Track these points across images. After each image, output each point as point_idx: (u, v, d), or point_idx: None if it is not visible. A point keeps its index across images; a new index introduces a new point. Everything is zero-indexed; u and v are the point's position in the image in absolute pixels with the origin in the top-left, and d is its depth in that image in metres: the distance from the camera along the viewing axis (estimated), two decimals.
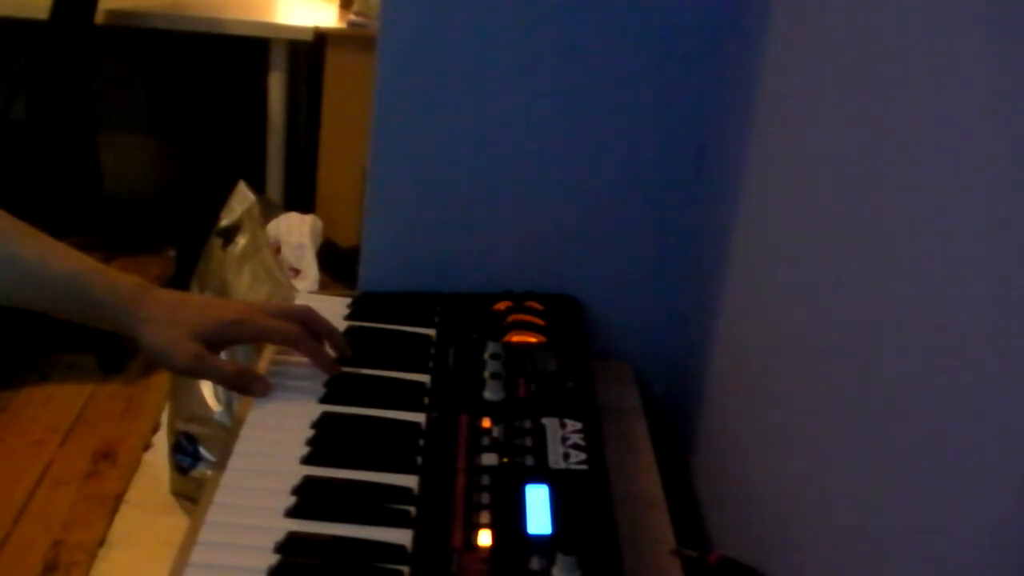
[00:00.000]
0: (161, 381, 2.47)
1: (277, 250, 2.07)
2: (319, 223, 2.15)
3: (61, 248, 1.03)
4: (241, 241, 2.06)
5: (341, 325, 1.16)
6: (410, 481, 0.94)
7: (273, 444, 0.97)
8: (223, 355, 1.05)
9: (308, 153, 2.72)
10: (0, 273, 1.00)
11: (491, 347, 1.12)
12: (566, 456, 0.96)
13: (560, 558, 0.82)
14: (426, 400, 1.05)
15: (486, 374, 1.06)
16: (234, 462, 0.96)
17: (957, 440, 0.63)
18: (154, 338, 0.99)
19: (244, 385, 1.04)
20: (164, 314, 1.00)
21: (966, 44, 0.67)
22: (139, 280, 1.03)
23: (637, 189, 1.24)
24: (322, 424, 1.00)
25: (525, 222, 1.26)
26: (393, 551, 0.86)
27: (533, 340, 1.15)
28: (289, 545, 0.86)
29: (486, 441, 0.98)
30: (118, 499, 2.19)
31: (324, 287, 2.00)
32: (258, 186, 2.36)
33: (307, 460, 0.96)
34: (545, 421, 1.00)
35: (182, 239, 2.91)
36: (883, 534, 0.72)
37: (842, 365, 0.81)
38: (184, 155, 3.29)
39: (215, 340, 1.02)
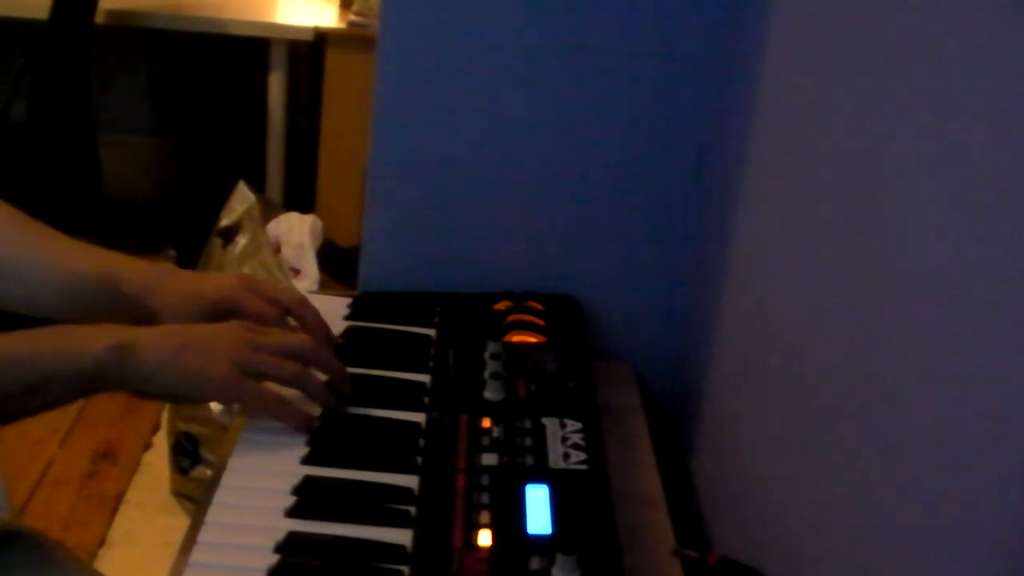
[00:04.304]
0: None
1: (277, 250, 2.07)
2: (319, 223, 2.15)
3: (82, 246, 1.05)
4: (241, 241, 2.06)
5: (341, 325, 1.16)
6: (410, 481, 0.94)
7: (273, 444, 0.97)
8: None
9: (308, 153, 2.72)
10: (29, 279, 1.02)
11: (491, 347, 1.12)
12: (566, 456, 0.96)
13: (560, 558, 0.82)
14: (426, 400, 1.05)
15: (486, 374, 1.06)
16: (234, 462, 0.96)
17: (957, 440, 0.63)
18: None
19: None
20: (178, 301, 1.02)
21: (967, 43, 0.67)
22: (160, 267, 1.06)
23: (637, 190, 1.24)
24: (322, 423, 1.00)
25: (525, 222, 1.26)
26: (393, 551, 0.86)
27: (533, 340, 1.15)
28: (289, 545, 0.86)
29: (486, 441, 0.98)
30: (118, 499, 2.19)
31: (324, 287, 2.00)
32: (258, 186, 2.36)
33: (307, 460, 0.96)
34: (545, 421, 1.00)
35: (182, 239, 2.91)
36: (883, 534, 0.72)
37: (842, 365, 0.81)
38: (184, 155, 3.29)
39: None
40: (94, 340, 0.91)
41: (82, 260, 1.04)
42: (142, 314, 1.03)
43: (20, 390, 0.89)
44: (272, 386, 0.99)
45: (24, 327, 0.91)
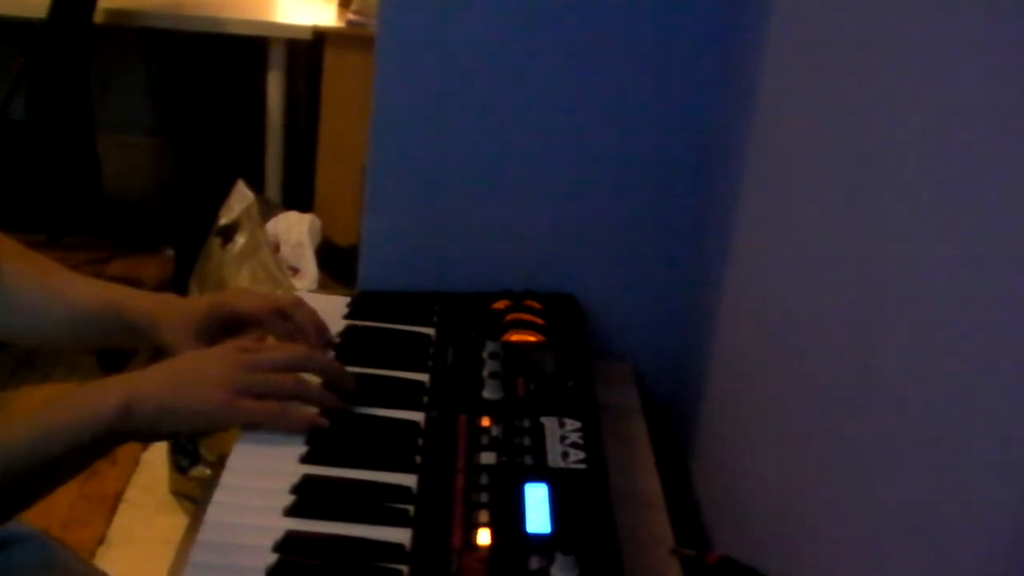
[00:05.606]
0: None
1: (276, 249, 2.07)
2: (318, 222, 2.15)
3: (84, 278, 1.09)
4: (240, 240, 2.06)
5: (340, 324, 1.16)
6: (409, 480, 0.94)
7: (272, 443, 0.97)
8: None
9: (307, 152, 2.72)
10: (38, 311, 1.07)
11: (490, 346, 1.12)
12: (565, 455, 0.96)
13: (559, 557, 0.82)
14: (425, 399, 1.05)
15: (485, 373, 1.06)
16: (233, 461, 0.96)
17: (957, 440, 0.63)
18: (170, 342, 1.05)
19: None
20: (178, 320, 1.05)
21: (967, 42, 0.67)
22: (159, 295, 1.10)
23: (637, 189, 1.24)
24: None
25: (525, 222, 1.26)
26: (392, 550, 0.86)
27: (532, 339, 1.15)
28: (288, 544, 0.86)
29: (485, 440, 0.98)
30: (117, 498, 2.19)
31: (323, 286, 2.00)
32: (257, 185, 2.35)
33: (306, 459, 0.96)
34: (544, 420, 1.00)
35: (181, 238, 2.91)
36: (883, 534, 0.72)
37: (842, 365, 0.81)
38: (183, 155, 3.29)
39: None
40: (100, 403, 0.92)
41: (85, 291, 1.08)
42: (144, 337, 1.06)
43: (36, 472, 0.89)
44: None
45: (32, 360, 0.93)
